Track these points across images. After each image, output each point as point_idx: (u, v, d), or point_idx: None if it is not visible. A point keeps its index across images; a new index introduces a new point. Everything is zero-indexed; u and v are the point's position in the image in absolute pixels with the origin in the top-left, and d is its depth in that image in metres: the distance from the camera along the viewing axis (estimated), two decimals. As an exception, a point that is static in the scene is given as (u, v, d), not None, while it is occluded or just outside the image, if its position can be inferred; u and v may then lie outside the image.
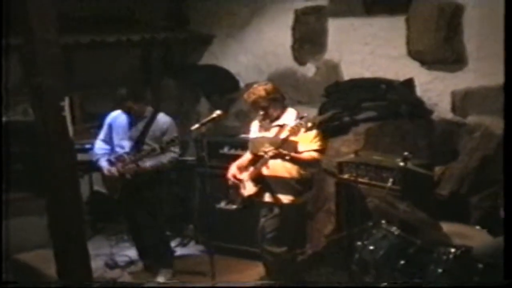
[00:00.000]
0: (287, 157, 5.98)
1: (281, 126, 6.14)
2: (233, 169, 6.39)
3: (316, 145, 6.10)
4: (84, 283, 5.84)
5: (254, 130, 6.45)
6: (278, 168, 6.11)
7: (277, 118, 6.20)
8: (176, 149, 6.80)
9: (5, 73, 7.68)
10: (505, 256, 4.10)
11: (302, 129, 5.90)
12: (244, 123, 6.95)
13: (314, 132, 6.12)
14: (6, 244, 7.07)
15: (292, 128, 5.88)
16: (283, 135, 6.01)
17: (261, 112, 6.17)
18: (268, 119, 6.22)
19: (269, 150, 5.94)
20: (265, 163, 6.06)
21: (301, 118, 5.96)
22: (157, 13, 9.50)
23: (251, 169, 6.23)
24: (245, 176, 6.27)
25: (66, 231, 5.79)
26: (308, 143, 6.07)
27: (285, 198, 6.14)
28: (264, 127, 6.30)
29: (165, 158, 6.77)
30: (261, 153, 6.05)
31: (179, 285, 6.79)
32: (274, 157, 5.98)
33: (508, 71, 4.03)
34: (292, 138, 5.98)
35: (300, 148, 6.05)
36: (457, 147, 6.67)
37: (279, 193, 6.14)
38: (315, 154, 6.10)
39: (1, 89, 7.00)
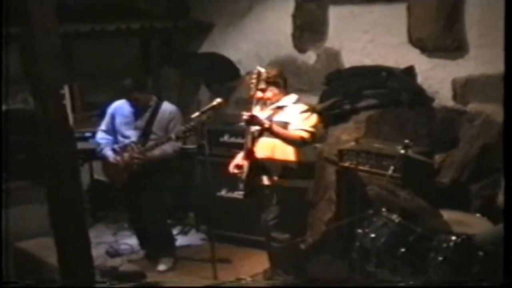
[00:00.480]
0: (266, 126, 5.89)
1: (278, 108, 6.13)
2: (237, 159, 6.36)
3: (306, 125, 5.99)
4: (88, 282, 5.83)
5: None
6: (275, 150, 6.08)
7: (276, 102, 6.18)
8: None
9: (5, 62, 7.67)
10: (505, 256, 4.11)
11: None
12: (244, 111, 6.94)
13: (308, 114, 6.05)
14: (7, 233, 7.09)
15: (271, 109, 5.94)
16: (276, 117, 6.01)
17: (259, 95, 6.10)
18: (266, 102, 6.18)
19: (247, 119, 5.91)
20: (252, 139, 6.07)
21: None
22: (157, 1, 9.48)
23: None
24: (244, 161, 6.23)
25: (66, 219, 5.78)
26: (298, 123, 6.00)
27: (283, 182, 6.10)
28: (261, 109, 6.25)
29: (170, 147, 6.77)
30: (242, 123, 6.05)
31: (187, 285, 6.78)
32: (256, 127, 5.97)
33: (508, 59, 4.02)
34: (285, 120, 5.98)
35: (290, 127, 5.99)
36: (458, 135, 6.66)
37: (276, 176, 6.10)
38: (304, 134, 5.95)
39: (1, 80, 6.98)
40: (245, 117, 5.89)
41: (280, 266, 6.39)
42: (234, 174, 6.31)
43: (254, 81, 6.01)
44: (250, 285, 6.54)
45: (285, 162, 6.09)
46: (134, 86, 6.80)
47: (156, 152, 6.74)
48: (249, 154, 6.13)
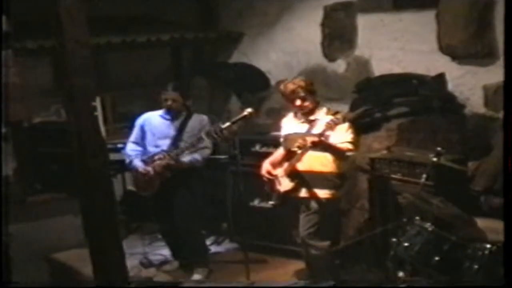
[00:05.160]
0: (324, 146, 6.00)
1: (313, 121, 6.18)
2: (266, 166, 6.39)
3: (349, 137, 6.13)
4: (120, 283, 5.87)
5: (287, 127, 6.45)
6: (314, 163, 6.13)
7: (310, 112, 6.24)
8: (209, 145, 6.80)
9: (37, 74, 7.74)
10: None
11: (338, 125, 5.91)
12: (275, 121, 6.95)
13: (346, 124, 6.09)
14: (39, 244, 7.17)
15: (328, 123, 5.89)
16: (316, 130, 6.04)
17: (298, 103, 6.17)
18: (302, 111, 6.25)
19: (302, 143, 5.97)
20: (300, 157, 6.10)
21: (335, 113, 6.03)
22: (187, 13, 9.54)
23: (286, 164, 6.24)
24: (279, 172, 6.27)
25: (100, 230, 5.82)
26: (341, 135, 6.08)
27: (322, 193, 6.14)
28: (297, 122, 6.32)
29: (200, 154, 6.80)
30: (295, 149, 6.08)
31: (215, 284, 6.79)
32: (312, 147, 6.00)
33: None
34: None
35: (332, 140, 6.05)
36: (490, 142, 6.60)
37: (315, 188, 6.14)
38: (350, 146, 6.13)
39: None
40: (309, 144, 5.95)
41: (318, 274, 6.38)
42: (268, 180, 6.33)
43: (293, 88, 6.13)
44: (284, 285, 6.55)
45: (323, 173, 6.14)
46: (177, 87, 6.88)
47: (186, 158, 6.76)
48: (292, 170, 6.18)
